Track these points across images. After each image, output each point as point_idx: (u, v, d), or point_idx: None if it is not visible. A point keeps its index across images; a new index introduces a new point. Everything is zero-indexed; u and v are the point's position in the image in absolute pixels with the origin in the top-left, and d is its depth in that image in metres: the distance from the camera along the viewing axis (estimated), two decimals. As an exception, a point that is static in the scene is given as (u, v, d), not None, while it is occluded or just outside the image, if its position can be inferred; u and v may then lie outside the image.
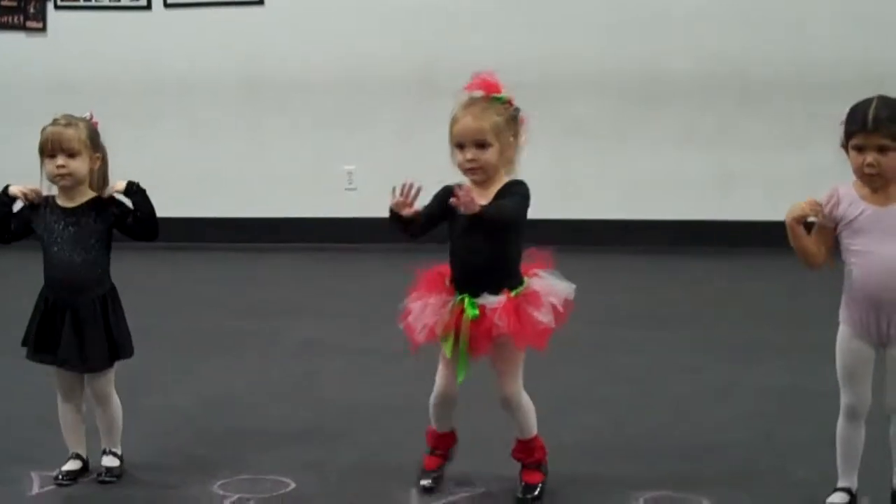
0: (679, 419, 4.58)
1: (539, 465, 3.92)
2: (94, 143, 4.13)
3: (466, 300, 3.73)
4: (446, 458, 4.02)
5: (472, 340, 3.73)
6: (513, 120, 3.83)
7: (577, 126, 7.82)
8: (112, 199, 4.07)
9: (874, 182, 3.60)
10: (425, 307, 3.79)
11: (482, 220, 3.65)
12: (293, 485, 4.02)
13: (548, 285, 3.80)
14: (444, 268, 3.85)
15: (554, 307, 3.76)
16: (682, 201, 8.02)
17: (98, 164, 4.10)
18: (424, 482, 3.95)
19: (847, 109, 3.76)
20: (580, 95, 7.88)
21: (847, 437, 3.70)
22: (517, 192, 3.77)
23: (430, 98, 8.36)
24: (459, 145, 3.80)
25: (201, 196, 8.64)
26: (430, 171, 8.66)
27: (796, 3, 7.85)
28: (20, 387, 4.91)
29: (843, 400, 3.68)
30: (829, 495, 3.71)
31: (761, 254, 7.80)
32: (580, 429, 4.47)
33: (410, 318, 3.81)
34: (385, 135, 8.37)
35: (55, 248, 4.00)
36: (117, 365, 4.12)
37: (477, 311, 3.69)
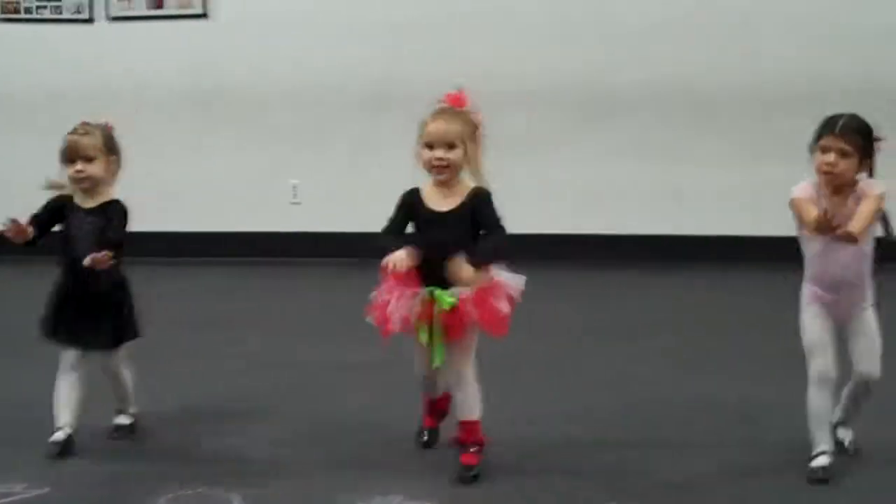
0: (648, 431, 4.60)
1: (479, 449, 4.19)
2: (110, 147, 4.65)
3: (437, 292, 4.06)
4: (442, 417, 4.46)
5: (446, 329, 4.08)
6: (474, 132, 4.29)
7: (524, 139, 7.80)
8: (112, 203, 4.61)
9: (830, 181, 4.12)
10: (399, 299, 4.11)
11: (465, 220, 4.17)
12: (239, 499, 3.96)
13: (505, 278, 4.17)
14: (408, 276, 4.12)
15: (509, 297, 4.15)
16: (633, 215, 8.04)
17: (116, 165, 4.66)
18: (422, 439, 4.47)
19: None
20: (529, 109, 7.87)
21: (819, 404, 4.13)
22: (491, 207, 4.23)
23: (379, 114, 8.34)
24: (429, 145, 4.23)
25: (146, 209, 8.51)
26: (377, 185, 8.70)
27: (747, 18, 7.90)
28: None
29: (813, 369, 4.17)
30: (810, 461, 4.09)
31: (712, 268, 7.85)
32: (547, 440, 4.45)
33: (388, 310, 4.12)
34: (333, 150, 8.34)
35: (76, 243, 4.46)
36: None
37: (452, 301, 4.04)
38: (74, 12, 8.54)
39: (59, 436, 4.43)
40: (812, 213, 4.04)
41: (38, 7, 8.56)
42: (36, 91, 8.53)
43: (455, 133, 4.22)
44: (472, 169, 4.25)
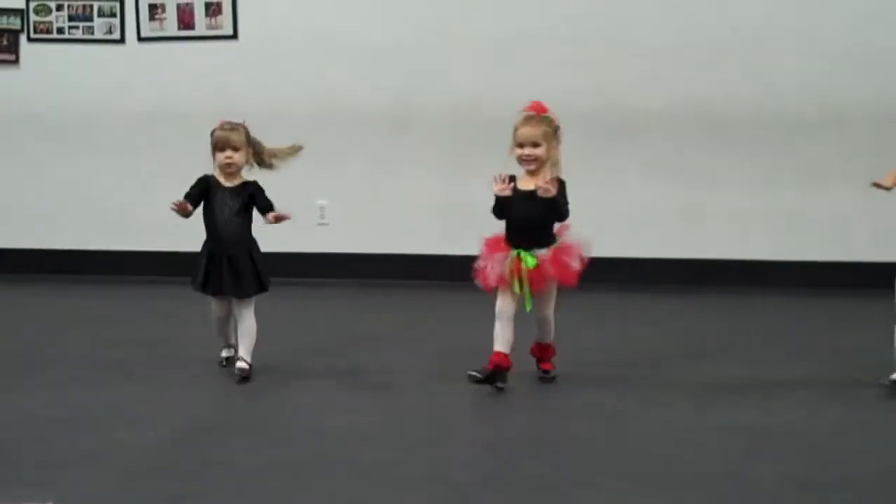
0: (641, 457, 4.60)
1: (550, 360, 5.77)
2: (248, 140, 5.86)
3: (522, 253, 5.45)
4: (497, 369, 5.45)
5: (531, 282, 5.44)
6: (555, 132, 5.56)
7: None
8: (250, 183, 5.85)
9: None
10: (493, 261, 5.49)
11: (547, 201, 5.37)
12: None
13: (575, 242, 5.52)
14: (498, 236, 5.58)
15: (579, 257, 5.50)
16: (646, 238, 8.08)
17: (252, 153, 5.87)
18: (500, 385, 5.47)
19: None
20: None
21: None
22: (565, 193, 5.50)
23: (401, 134, 8.43)
24: (521, 145, 5.53)
25: (173, 229, 8.63)
26: (400, 205, 8.78)
27: (763, 40, 7.92)
28: None
29: None
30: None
31: (726, 291, 7.87)
32: (545, 467, 4.49)
33: (487, 270, 5.49)
34: (357, 170, 8.42)
35: (221, 214, 5.79)
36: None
37: (535, 261, 5.44)
38: (106, 32, 8.66)
39: (225, 353, 6.05)
40: None
41: (70, 28, 8.68)
42: (67, 111, 8.66)
43: (539, 135, 5.49)
44: (551, 162, 5.53)
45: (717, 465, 4.47)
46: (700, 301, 7.68)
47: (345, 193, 8.43)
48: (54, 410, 5.21)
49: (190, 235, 7.90)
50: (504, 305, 5.50)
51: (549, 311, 5.64)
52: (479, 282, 5.55)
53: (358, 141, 8.40)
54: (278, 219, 5.73)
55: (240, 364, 5.76)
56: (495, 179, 5.51)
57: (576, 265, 5.49)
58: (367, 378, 5.81)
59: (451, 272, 8.31)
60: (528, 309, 5.48)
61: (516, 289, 5.45)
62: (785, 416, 5.07)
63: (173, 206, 5.73)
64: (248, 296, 5.81)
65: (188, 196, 5.80)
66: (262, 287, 5.83)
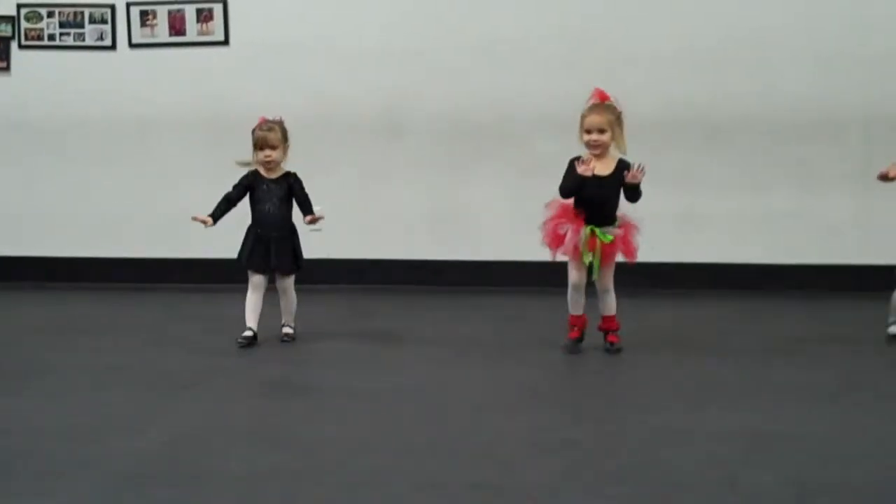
0: (640, 462, 4.58)
1: (616, 332, 6.38)
2: (286, 137, 6.73)
3: (598, 230, 6.16)
4: (582, 332, 6.39)
5: (604, 255, 6.18)
6: (618, 118, 6.17)
7: (539, 166, 7.85)
8: (290, 174, 6.75)
9: None
10: (572, 231, 6.15)
11: (628, 185, 6.16)
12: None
13: (634, 223, 6.32)
14: (569, 205, 6.21)
15: (637, 237, 6.30)
16: (643, 242, 8.06)
17: (288, 148, 6.74)
18: (569, 347, 6.35)
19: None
20: (542, 136, 7.93)
21: None
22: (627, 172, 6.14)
23: (394, 141, 8.42)
24: (588, 131, 6.15)
25: (166, 236, 8.63)
26: (392, 211, 8.76)
27: (760, 46, 7.93)
28: None
29: None
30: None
31: (722, 296, 7.87)
32: (541, 472, 4.47)
33: (563, 236, 6.16)
34: (350, 177, 8.41)
35: (265, 203, 6.71)
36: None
37: (610, 238, 6.17)
38: (97, 39, 8.64)
39: (248, 334, 6.67)
40: None
41: (61, 34, 8.66)
42: (58, 117, 8.65)
43: (604, 122, 6.11)
44: (617, 145, 6.18)
45: (715, 469, 4.45)
46: (695, 304, 7.68)
47: (336, 200, 8.40)
48: (49, 419, 5.18)
49: (182, 243, 7.95)
50: (579, 277, 6.28)
51: (611, 284, 6.32)
52: (548, 242, 6.22)
53: (349, 147, 8.39)
54: (314, 220, 6.66)
55: (285, 330, 6.82)
56: (581, 161, 6.09)
57: (637, 243, 6.28)
58: (360, 385, 5.78)
59: (444, 278, 8.33)
60: (594, 278, 6.24)
61: (587, 260, 6.17)
62: (782, 420, 5.06)
63: (196, 219, 6.67)
64: (291, 273, 6.77)
65: (230, 195, 6.76)
66: (299, 266, 6.79)
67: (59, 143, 8.69)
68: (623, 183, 6.17)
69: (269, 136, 6.65)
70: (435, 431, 4.99)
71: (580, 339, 6.39)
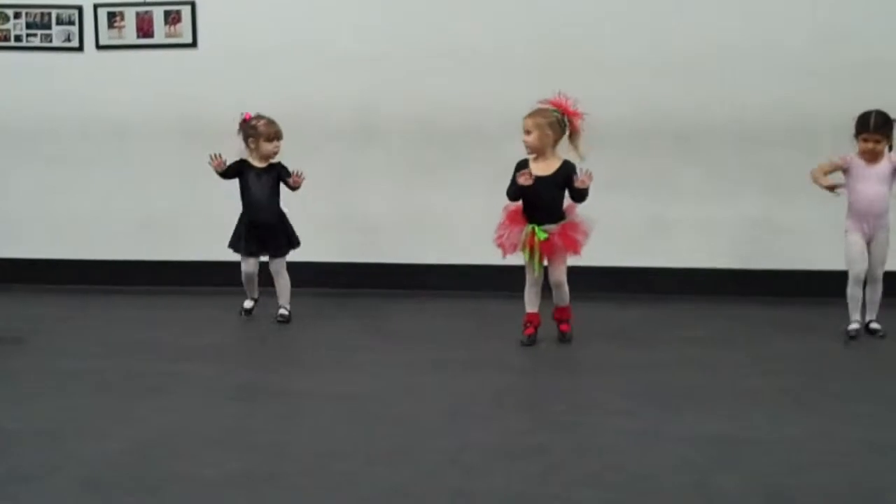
0: (608, 468, 4.58)
1: (569, 321, 6.75)
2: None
3: (536, 228, 6.48)
4: (536, 328, 6.69)
5: (542, 252, 6.53)
6: (557, 123, 6.52)
7: (511, 171, 7.84)
8: (276, 164, 7.29)
9: (871, 156, 6.65)
10: (513, 233, 6.51)
11: (577, 191, 6.49)
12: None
13: (580, 220, 6.58)
14: (518, 208, 6.56)
15: (584, 232, 6.57)
16: (613, 248, 8.08)
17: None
18: (525, 342, 6.63)
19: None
20: (514, 141, 7.90)
21: (854, 294, 6.74)
22: (572, 176, 6.51)
23: (366, 145, 8.39)
24: (524, 132, 6.53)
25: (136, 239, 8.58)
26: (365, 215, 8.71)
27: (729, 52, 7.94)
28: None
29: (852, 270, 6.74)
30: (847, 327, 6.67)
31: (693, 301, 7.88)
32: (511, 478, 4.46)
33: (504, 238, 6.54)
34: (321, 179, 8.38)
35: (255, 190, 7.24)
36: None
37: (546, 235, 6.46)
38: (64, 40, 8.58)
39: (248, 304, 7.50)
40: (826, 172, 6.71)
41: (28, 35, 8.60)
42: (25, 118, 8.58)
43: (531, 124, 6.50)
44: (544, 144, 6.53)
45: (685, 475, 4.46)
46: (665, 310, 7.69)
47: (306, 204, 8.38)
48: (17, 423, 5.14)
49: (152, 245, 7.91)
50: (532, 275, 6.64)
51: (562, 276, 6.64)
52: (498, 244, 6.56)
53: (322, 151, 8.35)
54: (297, 182, 7.19)
55: (281, 311, 7.33)
56: (522, 174, 6.42)
57: (580, 238, 6.53)
58: (332, 389, 5.77)
59: (416, 281, 8.31)
60: (536, 273, 6.58)
61: (526, 257, 6.55)
62: (752, 425, 5.07)
63: (211, 161, 7.17)
64: (283, 255, 7.32)
65: (229, 168, 7.23)
66: (291, 245, 7.36)
67: (26, 145, 8.62)
68: (569, 185, 6.49)
69: (278, 128, 7.24)
70: (406, 436, 4.98)
71: (534, 336, 6.66)
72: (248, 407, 5.50)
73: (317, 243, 8.19)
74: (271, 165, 7.29)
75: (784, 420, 5.18)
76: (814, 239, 7.87)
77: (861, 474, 4.47)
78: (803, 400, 5.52)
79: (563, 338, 6.73)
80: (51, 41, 8.60)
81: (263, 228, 7.29)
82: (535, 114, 6.55)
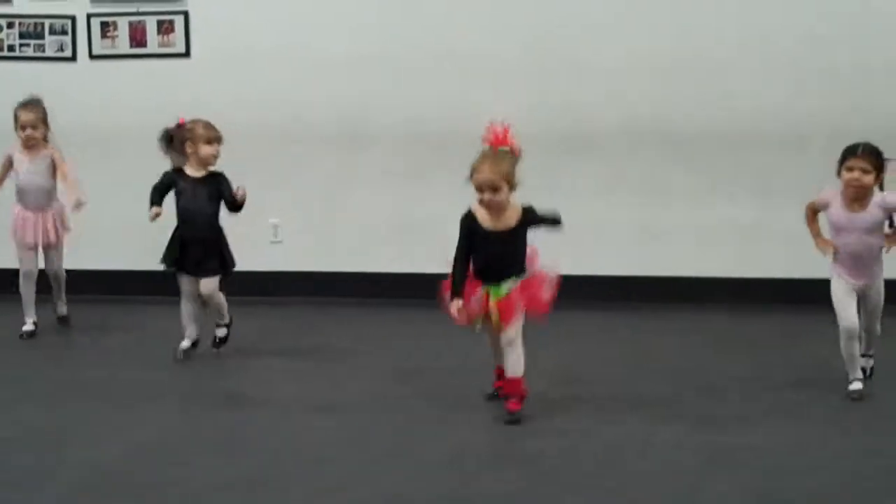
0: (601, 475, 4.58)
1: (520, 399, 5.28)
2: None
3: (492, 289, 5.25)
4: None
5: (501, 314, 5.24)
6: (514, 166, 5.22)
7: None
8: (217, 174, 6.49)
9: (856, 193, 5.52)
10: (466, 303, 5.18)
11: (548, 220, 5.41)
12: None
13: (545, 273, 5.35)
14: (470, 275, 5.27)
15: (548, 285, 5.32)
16: (605, 254, 8.08)
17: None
18: (490, 393, 5.60)
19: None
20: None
21: (848, 350, 5.62)
22: (538, 216, 5.38)
23: (356, 151, 8.39)
24: (479, 189, 5.17)
25: (124, 248, 8.57)
26: (355, 222, 8.70)
27: (722, 58, 7.95)
28: None
29: (842, 325, 5.62)
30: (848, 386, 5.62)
31: (683, 308, 7.87)
32: (503, 484, 4.46)
33: (456, 314, 5.17)
34: (313, 185, 8.38)
35: (190, 201, 6.44)
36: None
37: (503, 293, 5.23)
38: (57, 50, 8.59)
39: (185, 344, 6.53)
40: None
41: (21, 45, 8.60)
42: (18, 128, 8.57)
43: (498, 177, 5.18)
44: (511, 194, 5.25)
45: (676, 480, 4.46)
46: (656, 317, 7.69)
47: (298, 211, 8.39)
48: (8, 430, 5.14)
49: (145, 253, 7.90)
50: (491, 341, 5.57)
51: (515, 334, 5.28)
52: (456, 323, 5.27)
53: (311, 158, 8.36)
54: (239, 197, 6.42)
55: (218, 332, 6.66)
56: (454, 309, 5.19)
57: (545, 294, 5.33)
58: (324, 396, 5.77)
59: (407, 290, 8.30)
60: (475, 329, 5.37)
61: (478, 326, 5.35)
62: (742, 432, 5.08)
63: (151, 217, 6.33)
64: (216, 274, 6.47)
65: (157, 189, 6.44)
66: (225, 267, 6.52)
67: (19, 155, 8.60)
68: (540, 227, 5.42)
69: (217, 132, 6.53)
70: (397, 443, 4.99)
71: (498, 391, 5.60)
72: (238, 414, 5.52)
73: (307, 251, 8.20)
74: (212, 175, 6.51)
75: (775, 427, 5.19)
76: (805, 245, 7.87)
77: (853, 481, 4.47)
78: (796, 406, 5.53)
79: (511, 418, 5.24)
80: (44, 51, 8.60)
81: (196, 244, 6.47)
82: (498, 160, 5.20)
